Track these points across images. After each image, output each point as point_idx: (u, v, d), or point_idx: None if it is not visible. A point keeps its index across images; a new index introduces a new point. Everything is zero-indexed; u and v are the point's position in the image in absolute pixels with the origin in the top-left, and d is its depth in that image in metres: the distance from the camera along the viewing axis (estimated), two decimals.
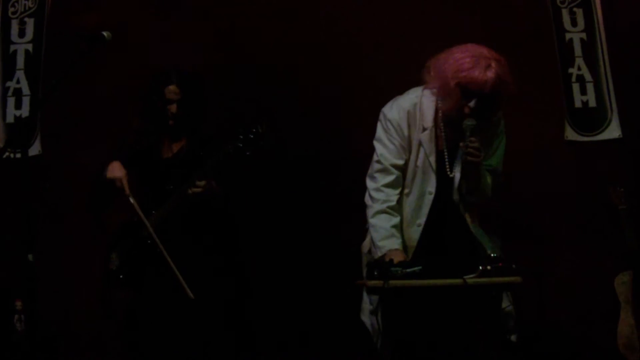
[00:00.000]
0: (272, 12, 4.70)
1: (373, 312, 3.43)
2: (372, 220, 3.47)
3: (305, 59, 4.64)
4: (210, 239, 3.82)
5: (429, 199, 3.49)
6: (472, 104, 3.31)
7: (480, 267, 3.16)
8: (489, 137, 3.51)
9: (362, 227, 3.66)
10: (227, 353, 3.81)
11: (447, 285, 3.16)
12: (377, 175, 3.50)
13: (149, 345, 3.73)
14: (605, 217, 4.40)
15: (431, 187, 3.49)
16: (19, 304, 4.24)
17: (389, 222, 3.45)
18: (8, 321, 4.25)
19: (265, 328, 4.40)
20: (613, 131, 4.66)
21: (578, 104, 4.68)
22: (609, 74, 4.67)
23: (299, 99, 4.61)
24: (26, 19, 4.75)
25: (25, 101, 4.70)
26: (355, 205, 3.73)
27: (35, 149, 4.64)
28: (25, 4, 4.76)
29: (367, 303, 3.54)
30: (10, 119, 4.69)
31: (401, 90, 3.64)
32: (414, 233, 3.50)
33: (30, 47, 4.72)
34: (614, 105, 4.66)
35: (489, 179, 3.53)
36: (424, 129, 3.48)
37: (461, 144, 3.38)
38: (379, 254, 3.38)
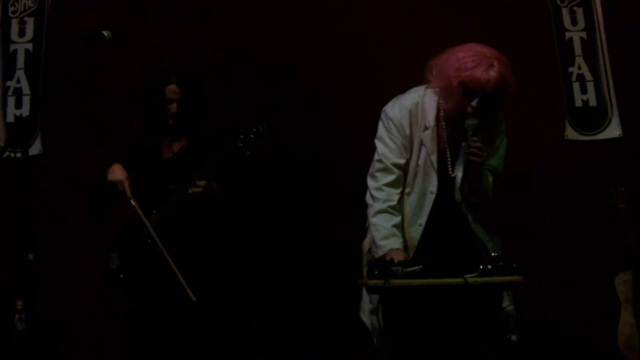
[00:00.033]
0: (272, 12, 4.69)
1: (373, 312, 3.43)
2: (373, 220, 3.47)
3: (305, 59, 4.63)
4: (210, 239, 3.82)
5: (430, 199, 3.49)
6: (474, 103, 3.31)
7: (481, 267, 3.16)
8: (491, 136, 3.51)
9: (362, 227, 3.66)
10: (227, 353, 3.80)
11: (448, 284, 3.16)
12: (378, 174, 3.50)
13: (149, 345, 3.73)
14: (606, 216, 4.40)
15: (432, 186, 3.49)
16: (19, 303, 4.24)
17: (390, 221, 3.45)
18: (9, 321, 4.24)
19: (265, 328, 4.41)
20: (613, 130, 4.66)
21: (578, 103, 4.68)
22: (609, 73, 4.66)
23: (299, 99, 4.60)
24: (26, 19, 4.75)
25: (26, 100, 4.69)
26: (355, 205, 3.73)
27: (35, 149, 4.64)
28: (25, 4, 4.75)
29: (366, 302, 3.55)
30: (10, 118, 4.69)
31: (401, 90, 3.64)
32: (415, 232, 3.50)
33: (30, 46, 4.72)
34: (615, 105, 4.66)
35: (490, 179, 3.53)
36: (426, 128, 3.48)
37: (463, 144, 3.38)
38: (380, 253, 3.38)
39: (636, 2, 4.69)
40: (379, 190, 3.49)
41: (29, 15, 4.75)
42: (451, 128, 3.48)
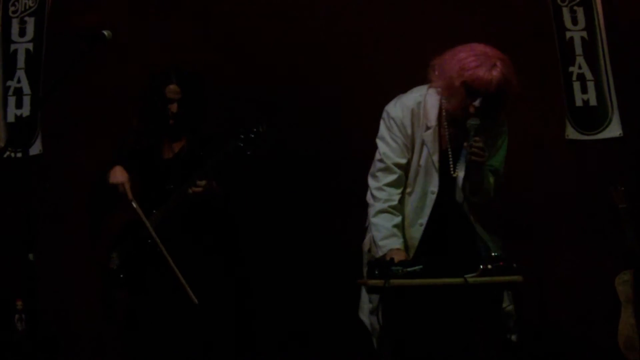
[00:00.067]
0: (272, 12, 4.69)
1: (373, 312, 3.43)
2: (373, 220, 3.47)
3: (305, 59, 4.63)
4: (210, 239, 3.82)
5: (431, 199, 3.49)
6: (477, 103, 3.31)
7: (481, 266, 3.16)
8: (493, 137, 3.50)
9: (361, 227, 3.66)
10: (227, 353, 3.80)
11: (448, 284, 3.16)
12: (379, 174, 3.50)
13: (149, 345, 3.73)
14: (606, 216, 4.40)
15: (434, 186, 3.48)
16: (19, 303, 4.24)
17: (391, 221, 3.44)
18: (9, 321, 4.25)
19: (265, 328, 4.41)
20: (614, 130, 4.66)
21: (579, 102, 4.68)
22: (609, 72, 4.66)
23: (299, 99, 4.60)
24: (27, 18, 4.75)
25: (26, 100, 4.69)
26: (354, 205, 3.73)
27: (35, 149, 4.64)
28: (25, 3, 4.75)
29: (365, 302, 3.55)
30: (11, 118, 4.69)
31: (401, 90, 3.64)
32: (416, 232, 3.49)
33: (30, 46, 4.72)
34: (615, 104, 4.66)
35: (491, 179, 3.52)
36: (428, 128, 3.47)
37: (466, 144, 3.38)
38: (380, 253, 3.38)
39: (636, 1, 4.69)
40: (380, 190, 3.48)
41: (29, 15, 4.75)
42: (453, 128, 3.48)
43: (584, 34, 4.71)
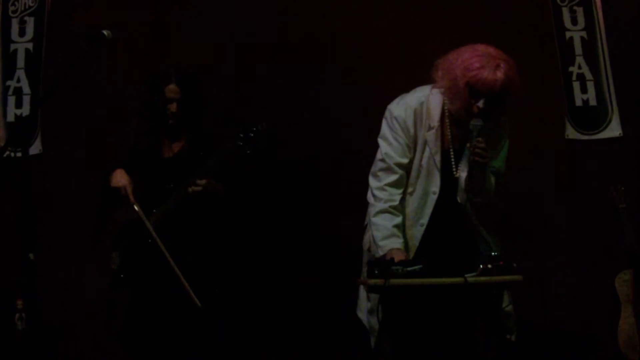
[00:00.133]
0: (272, 12, 4.70)
1: (372, 311, 3.43)
2: (374, 219, 3.46)
3: (305, 59, 4.63)
4: (209, 238, 3.82)
5: (432, 199, 3.48)
6: (480, 103, 3.30)
7: (481, 266, 3.16)
8: (495, 138, 3.50)
9: (361, 227, 3.66)
10: (227, 352, 3.80)
11: (448, 284, 3.16)
12: (380, 173, 3.49)
13: (149, 344, 3.73)
14: (606, 216, 4.40)
15: (435, 186, 3.48)
16: (19, 303, 4.24)
17: (391, 221, 3.44)
18: (9, 320, 4.25)
19: (265, 328, 4.41)
20: (614, 130, 4.66)
21: (579, 102, 4.68)
22: (609, 72, 4.66)
23: (299, 99, 4.60)
24: (26, 18, 4.75)
25: (26, 100, 4.69)
26: (354, 205, 3.73)
27: (35, 148, 4.63)
28: (25, 3, 4.75)
29: (363, 300, 3.54)
30: (10, 117, 4.69)
31: (401, 89, 3.63)
32: (417, 232, 3.49)
33: (30, 46, 4.72)
34: (615, 104, 4.66)
35: (492, 180, 3.52)
36: (430, 128, 3.46)
37: (468, 145, 3.37)
38: (380, 253, 3.37)
39: (636, 1, 4.69)
40: (381, 190, 3.48)
41: (29, 15, 4.75)
42: (456, 128, 3.47)
43: (584, 34, 4.72)
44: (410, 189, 3.51)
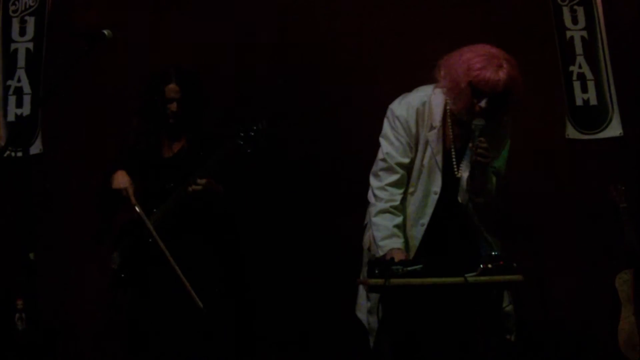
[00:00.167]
0: (272, 12, 4.70)
1: (372, 311, 3.43)
2: (374, 219, 3.46)
3: (305, 59, 4.63)
4: (209, 238, 3.82)
5: (433, 199, 3.47)
6: (482, 103, 3.30)
7: (481, 266, 3.16)
8: (497, 138, 3.49)
9: (361, 227, 3.65)
10: (227, 352, 3.80)
11: (448, 283, 3.16)
12: (381, 173, 3.49)
13: (150, 344, 3.73)
14: (606, 215, 4.40)
15: (436, 186, 3.47)
16: (19, 303, 4.24)
17: (392, 221, 3.43)
18: (9, 320, 4.25)
19: (265, 328, 4.41)
20: (614, 129, 4.66)
21: (579, 102, 4.68)
22: (610, 72, 4.67)
23: (299, 99, 4.60)
24: (27, 18, 4.75)
25: (26, 100, 4.70)
26: (354, 205, 3.72)
27: (36, 148, 4.64)
28: (26, 3, 4.76)
29: (363, 300, 3.54)
30: (11, 117, 4.69)
31: (401, 89, 3.63)
32: (417, 232, 3.48)
33: (31, 45, 4.72)
34: (615, 103, 4.66)
35: (494, 180, 3.52)
36: (432, 128, 3.46)
37: (470, 144, 3.37)
38: (381, 253, 3.37)
39: (636, 1, 4.69)
40: (382, 189, 3.47)
41: (29, 15, 4.75)
42: (457, 128, 3.47)
43: (584, 33, 4.72)
44: (411, 189, 3.50)
